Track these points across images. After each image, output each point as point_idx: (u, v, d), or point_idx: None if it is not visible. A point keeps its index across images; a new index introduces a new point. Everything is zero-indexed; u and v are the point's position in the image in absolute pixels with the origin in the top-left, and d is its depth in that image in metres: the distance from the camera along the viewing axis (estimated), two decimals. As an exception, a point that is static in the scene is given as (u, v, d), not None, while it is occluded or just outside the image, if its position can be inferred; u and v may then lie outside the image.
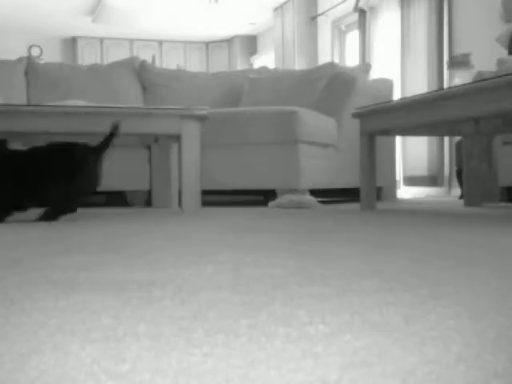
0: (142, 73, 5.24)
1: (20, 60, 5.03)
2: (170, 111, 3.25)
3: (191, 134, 3.23)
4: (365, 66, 5.26)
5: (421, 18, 6.59)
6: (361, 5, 7.66)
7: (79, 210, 2.85)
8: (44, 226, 2.42)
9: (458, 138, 4.93)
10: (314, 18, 8.99)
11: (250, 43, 11.84)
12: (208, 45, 12.33)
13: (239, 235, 1.95)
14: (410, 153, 6.69)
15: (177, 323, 0.76)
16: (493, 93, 2.39)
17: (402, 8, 6.89)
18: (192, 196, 3.22)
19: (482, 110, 2.50)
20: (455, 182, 5.62)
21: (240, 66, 11.55)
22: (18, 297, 0.94)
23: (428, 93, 2.85)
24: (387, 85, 5.08)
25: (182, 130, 3.20)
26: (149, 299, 0.91)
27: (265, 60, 10.87)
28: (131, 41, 11.91)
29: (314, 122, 4.20)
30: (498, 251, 1.50)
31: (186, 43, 12.25)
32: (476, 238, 1.81)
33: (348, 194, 5.06)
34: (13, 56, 6.13)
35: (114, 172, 3.94)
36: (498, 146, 4.00)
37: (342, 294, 0.93)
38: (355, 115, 3.42)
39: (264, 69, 5.63)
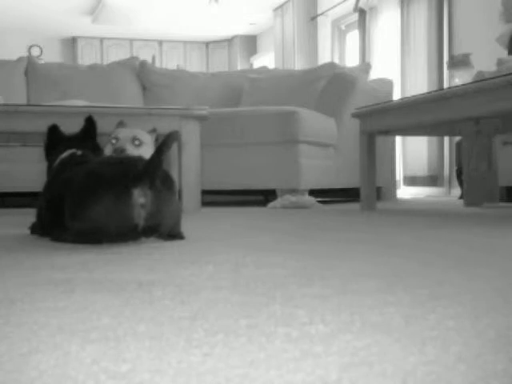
0: (141, 73, 5.24)
1: (20, 60, 5.03)
2: (169, 111, 3.24)
3: (191, 133, 3.22)
4: (365, 66, 5.26)
5: (421, 17, 6.59)
6: (361, 5, 7.65)
7: None
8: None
9: (458, 138, 4.93)
10: (313, 18, 8.98)
11: (250, 43, 11.83)
12: (208, 45, 12.33)
13: (239, 235, 1.95)
14: (410, 153, 6.69)
15: (177, 323, 0.76)
16: (493, 93, 2.39)
17: (401, 8, 6.89)
18: (192, 196, 3.21)
19: (481, 110, 2.50)
20: (455, 182, 5.62)
21: (240, 65, 11.54)
22: (19, 297, 0.94)
23: (428, 93, 2.85)
24: (387, 85, 5.08)
25: (181, 130, 3.20)
26: (149, 299, 0.91)
27: (265, 60, 10.87)
28: (131, 41, 11.90)
29: (313, 122, 4.20)
30: (498, 251, 1.50)
31: (186, 43, 12.24)
32: (476, 238, 1.81)
33: (348, 194, 5.06)
34: (13, 56, 6.13)
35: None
36: (498, 146, 4.00)
37: (342, 294, 0.93)
38: (355, 115, 3.42)
39: (264, 69, 5.63)
